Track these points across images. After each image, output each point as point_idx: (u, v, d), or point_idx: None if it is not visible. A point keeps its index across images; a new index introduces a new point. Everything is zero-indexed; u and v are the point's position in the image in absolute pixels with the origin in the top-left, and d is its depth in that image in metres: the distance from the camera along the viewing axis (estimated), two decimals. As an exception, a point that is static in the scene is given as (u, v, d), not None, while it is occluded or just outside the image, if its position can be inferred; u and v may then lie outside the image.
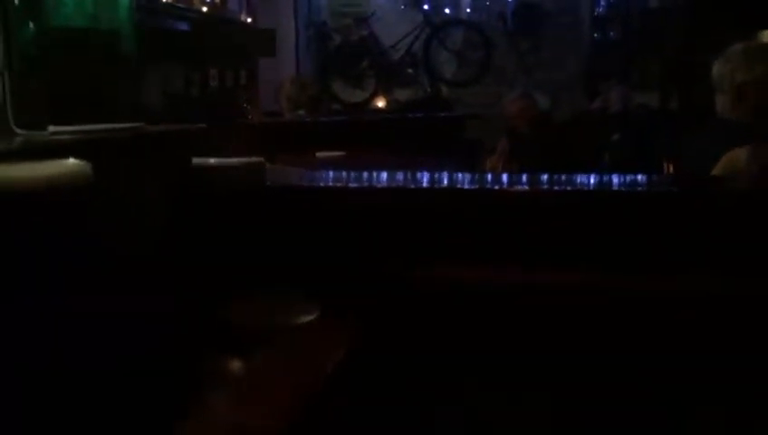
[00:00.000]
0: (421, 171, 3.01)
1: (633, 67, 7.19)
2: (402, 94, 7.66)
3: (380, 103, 7.49)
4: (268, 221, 1.23)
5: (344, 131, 3.58)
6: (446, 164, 3.48)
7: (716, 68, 2.34)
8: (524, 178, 1.35)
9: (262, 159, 1.33)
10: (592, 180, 1.33)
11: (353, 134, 3.48)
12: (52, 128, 0.99)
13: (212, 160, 1.28)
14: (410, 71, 7.54)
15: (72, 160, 0.69)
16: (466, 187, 1.31)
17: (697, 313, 1.18)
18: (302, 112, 4.09)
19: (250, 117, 4.57)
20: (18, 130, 0.98)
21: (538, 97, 6.04)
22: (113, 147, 0.96)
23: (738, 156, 1.48)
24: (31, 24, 1.01)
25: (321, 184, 1.32)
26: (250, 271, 1.21)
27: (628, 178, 1.35)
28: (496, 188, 1.29)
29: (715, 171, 1.62)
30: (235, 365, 1.09)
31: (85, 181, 0.67)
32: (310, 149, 3.19)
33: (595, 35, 7.63)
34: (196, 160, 1.24)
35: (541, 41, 7.58)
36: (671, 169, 3.14)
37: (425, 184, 1.34)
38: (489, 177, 1.35)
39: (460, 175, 1.39)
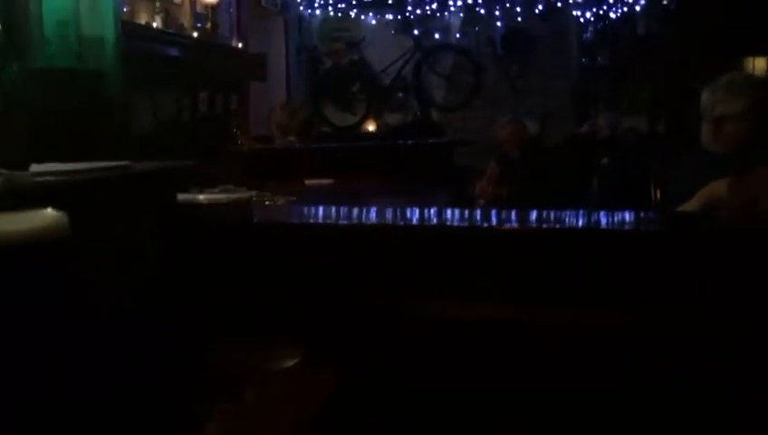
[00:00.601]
0: (411, 205, 3.01)
1: (621, 92, 7.26)
2: (392, 118, 7.69)
3: (371, 127, 7.51)
4: (255, 259, 1.21)
5: (333, 158, 3.58)
6: (436, 190, 3.48)
7: (702, 98, 2.36)
8: (513, 214, 1.34)
9: (249, 194, 1.32)
10: (581, 220, 1.33)
11: (342, 161, 3.48)
12: (33, 167, 0.97)
13: (199, 197, 1.27)
14: (400, 95, 7.58)
15: (48, 212, 0.67)
16: (456, 224, 1.30)
17: (684, 351, 1.17)
18: (292, 138, 4.08)
19: (240, 142, 4.56)
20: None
21: (527, 121, 6.08)
22: (95, 188, 0.95)
23: (719, 188, 1.48)
24: (14, 65, 1.00)
25: (309, 221, 1.31)
26: (236, 311, 1.19)
27: (616, 215, 1.35)
28: (485, 226, 1.28)
29: (696, 201, 1.62)
30: (222, 408, 1.07)
31: (62, 234, 0.66)
32: (299, 175, 3.18)
33: (583, 60, 7.71)
34: (182, 197, 1.23)
35: (530, 66, 7.64)
36: (658, 194, 3.15)
37: (414, 221, 1.33)
38: (478, 213, 1.34)
39: (449, 211, 1.38)
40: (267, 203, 2.77)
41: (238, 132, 4.75)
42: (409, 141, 4.31)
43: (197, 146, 4.70)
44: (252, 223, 1.23)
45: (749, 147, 2.20)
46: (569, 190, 5.11)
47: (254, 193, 2.83)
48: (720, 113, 2.25)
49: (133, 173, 1.03)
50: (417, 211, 1.40)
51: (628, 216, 1.38)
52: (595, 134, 6.31)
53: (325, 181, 3.03)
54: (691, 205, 1.60)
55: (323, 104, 7.28)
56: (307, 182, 3.03)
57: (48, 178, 0.91)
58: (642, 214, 1.40)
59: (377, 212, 1.42)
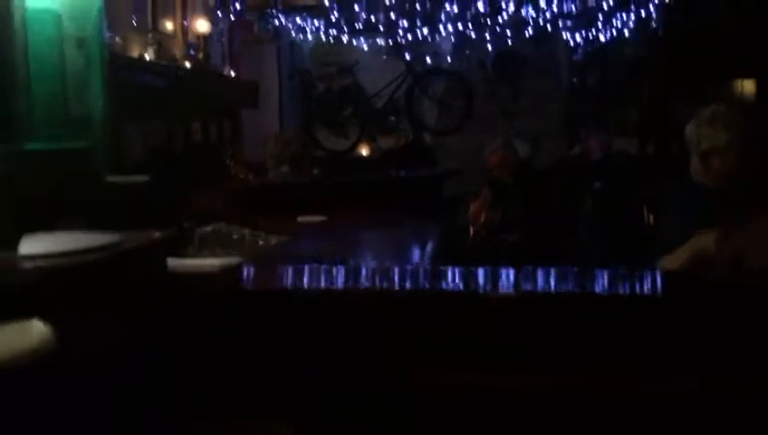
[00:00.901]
0: (404, 243, 3.00)
1: (612, 114, 7.31)
2: (385, 142, 7.73)
3: (364, 151, 7.54)
4: (244, 328, 1.22)
5: (325, 193, 3.60)
6: (428, 223, 3.49)
7: (687, 131, 2.36)
8: (511, 276, 1.34)
9: (239, 260, 1.32)
10: (571, 283, 1.33)
11: (334, 195, 3.50)
12: (22, 248, 0.98)
13: (188, 262, 1.28)
14: (393, 118, 7.62)
15: (34, 329, 0.68)
16: (450, 290, 1.30)
17: (682, 414, 1.18)
18: (285, 169, 4.10)
19: (234, 173, 4.57)
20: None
21: (519, 144, 6.12)
22: (84, 270, 0.96)
23: (705, 243, 1.49)
24: (2, 146, 1.02)
25: (299, 286, 1.31)
26: (227, 383, 1.19)
27: (611, 273, 1.35)
28: (480, 293, 1.28)
29: (684, 254, 1.62)
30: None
31: (49, 351, 0.67)
32: (291, 210, 3.19)
33: (574, 83, 7.77)
34: (171, 263, 1.24)
35: (521, 88, 7.70)
36: (651, 218, 3.18)
37: (408, 286, 1.33)
38: (480, 273, 1.33)
39: (446, 270, 1.37)
40: (260, 243, 2.78)
41: (232, 163, 4.76)
42: (401, 173, 4.33)
43: (190, 175, 4.71)
44: (241, 290, 1.24)
45: (738, 178, 2.21)
46: (561, 214, 5.13)
47: (246, 232, 2.84)
48: (706, 148, 2.25)
49: (122, 250, 1.03)
50: (410, 275, 1.40)
51: (623, 272, 1.38)
52: (586, 156, 6.34)
53: (317, 218, 3.04)
54: (678, 257, 1.61)
55: (316, 128, 7.32)
56: (299, 219, 3.04)
57: (37, 262, 0.92)
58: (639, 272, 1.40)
59: (367, 272, 1.42)
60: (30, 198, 1.08)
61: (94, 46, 1.36)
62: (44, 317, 0.75)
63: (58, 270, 0.92)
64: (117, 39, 4.06)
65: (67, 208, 1.15)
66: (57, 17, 1.29)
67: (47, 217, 1.11)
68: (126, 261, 1.05)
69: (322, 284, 1.33)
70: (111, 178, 1.40)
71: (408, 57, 7.44)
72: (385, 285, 1.35)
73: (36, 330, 0.68)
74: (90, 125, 1.27)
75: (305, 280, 1.32)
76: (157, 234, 1.15)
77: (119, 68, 3.86)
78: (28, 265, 0.91)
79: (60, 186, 1.14)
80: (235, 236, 2.71)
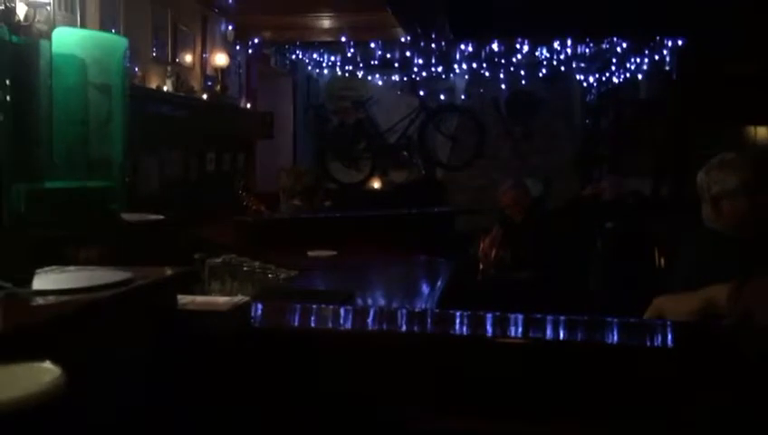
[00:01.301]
0: (414, 276, 2.99)
1: (625, 155, 7.32)
2: (397, 176, 7.77)
3: (376, 184, 7.58)
4: (254, 367, 1.22)
5: (337, 227, 3.61)
6: (439, 259, 3.49)
7: (698, 179, 2.37)
8: (520, 321, 1.33)
9: (248, 298, 1.33)
10: (580, 333, 1.33)
11: (345, 230, 3.51)
12: (36, 283, 0.99)
13: (198, 299, 1.29)
14: (405, 153, 7.68)
15: (44, 371, 0.68)
16: (458, 333, 1.30)
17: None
18: (297, 202, 4.12)
19: (246, 204, 4.60)
20: (2, 283, 0.99)
21: (531, 183, 6.14)
22: (96, 307, 0.97)
23: (718, 294, 1.48)
24: (22, 185, 1.04)
25: (306, 325, 1.32)
26: (234, 421, 1.19)
27: (623, 322, 1.34)
28: (488, 336, 1.27)
29: (696, 302, 1.61)
30: None
31: (58, 392, 0.67)
32: (303, 244, 3.20)
33: (587, 123, 7.81)
34: (182, 300, 1.25)
35: (534, 128, 7.75)
36: (662, 260, 3.15)
37: (415, 328, 1.33)
38: (488, 320, 1.33)
39: (453, 314, 1.37)
40: (270, 276, 2.79)
41: (244, 194, 4.79)
42: (412, 209, 4.34)
43: (204, 205, 4.75)
44: (251, 328, 1.24)
45: (750, 222, 2.21)
46: (572, 255, 5.12)
47: (256, 264, 2.85)
48: (716, 193, 2.26)
49: (133, 288, 1.05)
50: (417, 319, 1.40)
51: (633, 321, 1.37)
52: (598, 196, 6.34)
53: (327, 253, 3.04)
54: (687, 303, 1.59)
55: (329, 161, 7.38)
56: (310, 253, 3.04)
57: (49, 298, 0.93)
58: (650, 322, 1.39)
59: (374, 315, 1.42)
60: (47, 234, 1.10)
61: (117, 92, 1.40)
62: (54, 354, 0.75)
63: (69, 306, 0.93)
64: (137, 71, 4.14)
65: (83, 244, 1.17)
66: (82, 64, 1.33)
67: (63, 252, 1.12)
68: (137, 298, 1.06)
69: (329, 324, 1.33)
70: (126, 216, 1.42)
71: (421, 93, 7.53)
72: (390, 327, 1.35)
73: (47, 372, 0.68)
74: (109, 166, 1.30)
75: (312, 319, 1.33)
76: (168, 271, 1.16)
77: (140, 99, 3.94)
78: (40, 301, 0.92)
79: (76, 223, 1.16)
80: (245, 268, 2.72)
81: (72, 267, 1.19)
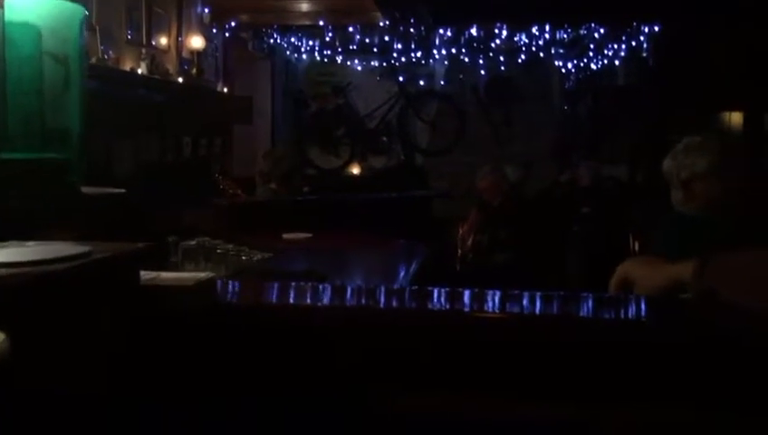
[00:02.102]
0: (391, 261, 2.98)
1: (602, 141, 7.37)
2: (377, 162, 7.75)
3: (355, 170, 7.56)
4: (219, 344, 1.21)
5: (313, 210, 3.60)
6: (416, 243, 3.50)
7: (665, 165, 2.39)
8: (497, 297, 1.33)
9: (214, 274, 1.32)
10: (555, 305, 1.33)
11: (321, 213, 3.50)
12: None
13: (162, 275, 1.27)
14: (385, 139, 7.66)
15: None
16: (436, 308, 1.29)
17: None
18: (274, 186, 4.10)
19: (223, 188, 4.57)
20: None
21: (510, 168, 6.16)
22: (52, 280, 0.95)
23: (684, 272, 1.49)
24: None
25: (274, 302, 1.31)
26: (200, 401, 1.18)
27: (596, 300, 1.35)
28: (463, 312, 1.27)
29: (663, 280, 1.62)
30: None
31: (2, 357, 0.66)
32: (278, 228, 3.19)
33: (565, 109, 7.85)
34: (144, 277, 1.23)
35: (513, 113, 7.76)
36: (637, 245, 3.19)
37: (394, 304, 1.32)
38: (465, 295, 1.32)
39: (430, 290, 1.36)
40: (243, 259, 2.78)
41: (221, 178, 4.76)
42: (391, 194, 4.34)
43: (180, 190, 4.70)
44: (217, 305, 1.23)
45: (720, 204, 2.23)
46: (549, 239, 5.16)
47: (230, 247, 2.84)
48: (686, 177, 2.28)
49: (92, 261, 1.03)
50: (395, 292, 1.39)
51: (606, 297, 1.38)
52: (576, 182, 6.38)
53: (303, 235, 3.03)
54: (654, 279, 1.60)
55: (308, 147, 7.33)
56: (285, 236, 3.03)
57: (2, 270, 0.91)
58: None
59: (344, 290, 1.41)
60: (3, 207, 1.08)
61: (74, 62, 1.37)
62: (4, 327, 0.74)
63: (21, 279, 0.91)
64: (110, 53, 4.08)
65: (41, 219, 1.15)
66: (37, 33, 1.30)
67: (21, 227, 1.10)
68: (95, 272, 1.05)
69: (296, 300, 1.32)
70: (86, 190, 1.40)
71: (401, 79, 7.50)
72: (363, 302, 1.34)
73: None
74: (66, 138, 1.27)
75: (280, 296, 1.32)
76: (129, 246, 1.14)
77: (110, 82, 3.88)
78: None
79: (34, 196, 1.14)
80: (218, 251, 2.71)
81: (30, 242, 1.17)
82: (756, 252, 1.37)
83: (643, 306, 1.41)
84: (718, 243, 1.94)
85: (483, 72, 7.63)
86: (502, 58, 7.40)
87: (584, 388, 1.22)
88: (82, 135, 1.35)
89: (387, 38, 7.08)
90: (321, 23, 6.60)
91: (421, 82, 7.78)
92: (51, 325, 0.94)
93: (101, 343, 1.06)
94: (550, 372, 1.22)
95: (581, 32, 6.77)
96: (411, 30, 6.95)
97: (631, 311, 1.38)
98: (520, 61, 7.38)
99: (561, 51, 7.23)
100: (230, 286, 1.34)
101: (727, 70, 6.35)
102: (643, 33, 6.63)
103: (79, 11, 1.39)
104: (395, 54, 7.41)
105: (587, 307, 1.37)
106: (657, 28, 6.54)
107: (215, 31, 5.82)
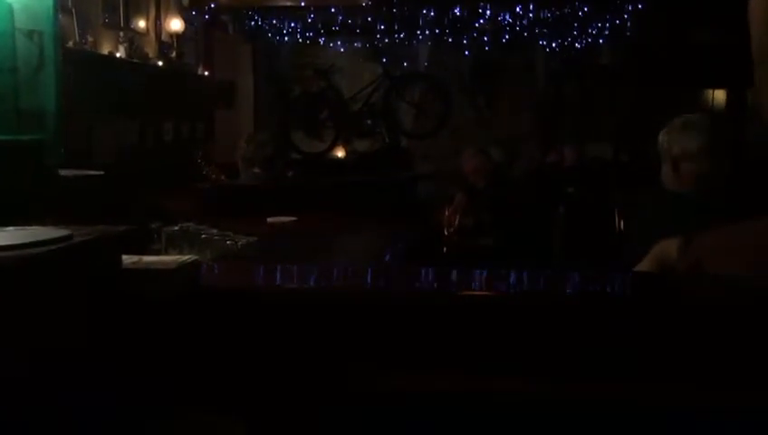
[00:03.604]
0: (376, 244, 2.96)
1: (587, 121, 7.37)
2: (361, 145, 7.70)
3: (339, 153, 7.51)
4: (202, 328, 1.18)
5: (297, 194, 3.56)
6: (401, 226, 3.47)
7: (659, 139, 2.39)
8: (481, 277, 1.31)
9: (197, 257, 1.29)
10: (541, 282, 1.32)
11: (305, 197, 3.46)
12: (-35, 241, 0.94)
13: (144, 259, 1.24)
14: (369, 122, 7.60)
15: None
16: (419, 290, 1.27)
17: (645, 420, 1.17)
18: (257, 171, 4.05)
19: (205, 172, 4.51)
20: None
21: (495, 150, 6.14)
22: (33, 264, 0.92)
23: (668, 249, 1.49)
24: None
25: (258, 284, 1.28)
26: (182, 385, 1.15)
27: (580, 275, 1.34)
28: (449, 292, 1.25)
29: (648, 262, 1.62)
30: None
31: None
32: (262, 212, 3.15)
33: (550, 90, 7.83)
34: (127, 260, 1.20)
35: (497, 95, 7.73)
36: (622, 224, 3.19)
37: (381, 284, 1.30)
38: (450, 274, 1.31)
39: (415, 270, 1.34)
40: (228, 243, 2.74)
41: (204, 163, 4.70)
42: (373, 176, 4.31)
43: (161, 175, 4.64)
44: (200, 288, 1.20)
45: (707, 184, 2.24)
46: (535, 220, 5.16)
47: (214, 232, 2.80)
48: (677, 153, 2.28)
49: (72, 245, 1.00)
50: (380, 274, 1.37)
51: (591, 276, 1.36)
52: (561, 163, 6.38)
53: (287, 219, 3.00)
54: (644, 264, 1.61)
55: (292, 131, 7.26)
56: (269, 220, 2.99)
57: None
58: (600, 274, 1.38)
59: (332, 272, 1.39)
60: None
61: (48, 40, 1.32)
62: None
63: (2, 263, 0.88)
64: (88, 37, 3.99)
65: (17, 202, 1.11)
66: (8, 9, 1.25)
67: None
68: (75, 256, 1.01)
69: (282, 282, 1.30)
70: (64, 172, 1.36)
71: (384, 61, 7.43)
72: (348, 283, 1.32)
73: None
74: (42, 119, 1.23)
75: (266, 278, 1.29)
76: (110, 229, 1.11)
77: (87, 65, 3.80)
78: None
79: (9, 178, 1.10)
80: (203, 236, 2.66)
81: (10, 228, 1.13)
82: (739, 226, 1.37)
83: (628, 282, 1.40)
84: (703, 222, 1.95)
85: (467, 52, 7.58)
86: (486, 39, 7.35)
87: (572, 364, 1.21)
88: (59, 116, 1.31)
89: (370, 19, 7.00)
90: (303, 4, 6.50)
91: (405, 64, 7.72)
92: (32, 310, 0.91)
93: (83, 328, 1.03)
94: (537, 348, 1.21)
95: (565, 11, 6.74)
96: (394, 10, 6.88)
97: (616, 287, 1.37)
98: (504, 41, 7.34)
99: (545, 30, 7.20)
100: (214, 269, 1.31)
101: (710, 48, 6.36)
102: (626, 11, 6.61)
103: (52, -14, 1.35)
104: (378, 36, 7.34)
105: (573, 284, 1.37)
106: (640, 6, 6.52)
107: (194, 13, 5.72)
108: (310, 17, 7.07)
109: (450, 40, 7.37)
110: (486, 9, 6.91)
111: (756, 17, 1.06)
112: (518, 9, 6.85)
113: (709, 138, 2.23)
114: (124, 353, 1.12)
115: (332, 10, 6.82)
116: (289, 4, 6.49)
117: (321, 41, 7.57)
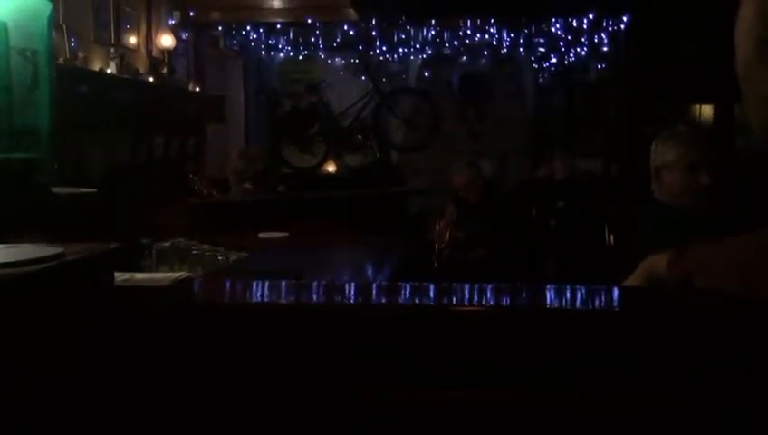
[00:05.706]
0: (368, 259, 2.97)
1: (576, 135, 7.42)
2: (352, 160, 7.71)
3: (330, 168, 7.51)
4: (196, 344, 1.18)
5: (288, 209, 3.57)
6: (393, 240, 3.48)
7: (651, 149, 2.43)
8: (473, 292, 1.32)
9: (190, 274, 1.29)
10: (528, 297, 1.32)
11: (297, 211, 3.47)
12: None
13: (137, 276, 1.24)
14: (360, 137, 7.61)
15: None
16: (404, 305, 1.28)
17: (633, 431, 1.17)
18: (248, 186, 4.06)
19: (196, 187, 4.51)
20: None
21: (485, 163, 6.17)
22: (28, 284, 0.92)
23: (657, 263, 1.50)
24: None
25: (251, 300, 1.28)
26: (176, 403, 1.15)
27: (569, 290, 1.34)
28: (438, 307, 1.26)
29: (637, 277, 1.63)
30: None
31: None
32: (254, 227, 3.15)
33: (539, 104, 7.89)
34: (120, 277, 1.20)
35: (487, 109, 7.78)
36: (612, 238, 3.20)
37: (368, 300, 1.30)
38: (441, 289, 1.31)
39: (404, 285, 1.35)
40: (220, 259, 2.74)
41: (195, 178, 4.70)
42: (365, 191, 4.32)
43: (152, 190, 4.63)
44: (193, 304, 1.20)
45: (684, 195, 2.26)
46: (526, 234, 5.18)
47: (205, 247, 2.79)
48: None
49: (64, 263, 1.00)
50: (371, 287, 1.38)
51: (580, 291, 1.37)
52: (551, 176, 6.42)
53: (278, 235, 3.00)
54: (633, 279, 1.62)
55: (283, 146, 7.27)
56: (261, 235, 3.00)
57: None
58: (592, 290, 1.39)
59: (320, 287, 1.39)
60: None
61: (42, 58, 1.33)
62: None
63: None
64: (78, 53, 4.00)
65: (10, 219, 1.11)
66: (3, 28, 1.26)
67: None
68: (68, 274, 1.01)
69: (272, 298, 1.30)
70: (57, 190, 1.36)
71: (375, 76, 7.47)
72: (338, 300, 1.32)
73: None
74: (35, 137, 1.23)
75: (258, 295, 1.29)
76: (102, 246, 1.11)
77: (78, 81, 3.80)
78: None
79: (2, 197, 1.10)
80: (194, 252, 2.66)
81: (1, 245, 1.13)
82: (729, 241, 1.38)
83: (618, 296, 1.41)
84: (690, 232, 1.97)
85: (456, 68, 7.64)
86: (475, 54, 7.41)
87: (565, 376, 1.21)
88: (52, 134, 1.31)
89: (360, 35, 7.04)
90: (294, 20, 6.53)
91: (395, 79, 7.76)
92: (24, 328, 0.91)
93: (76, 346, 1.03)
94: (526, 362, 1.21)
95: (554, 27, 6.80)
96: (385, 26, 6.92)
97: (606, 301, 1.38)
98: (493, 57, 7.40)
99: (534, 46, 7.26)
100: (206, 286, 1.31)
101: (697, 63, 6.43)
102: (614, 26, 6.69)
103: (46, 5, 1.35)
104: (369, 52, 7.38)
105: (562, 298, 1.37)
106: (626, 22, 6.60)
107: (185, 29, 5.74)
108: (300, 33, 7.10)
109: (440, 55, 7.43)
110: (476, 25, 6.96)
111: (742, 33, 1.08)
112: (507, 25, 6.91)
113: (686, 150, 2.26)
114: (119, 371, 1.11)
115: (323, 26, 6.86)
116: (280, 19, 6.52)
117: (312, 56, 7.61)
